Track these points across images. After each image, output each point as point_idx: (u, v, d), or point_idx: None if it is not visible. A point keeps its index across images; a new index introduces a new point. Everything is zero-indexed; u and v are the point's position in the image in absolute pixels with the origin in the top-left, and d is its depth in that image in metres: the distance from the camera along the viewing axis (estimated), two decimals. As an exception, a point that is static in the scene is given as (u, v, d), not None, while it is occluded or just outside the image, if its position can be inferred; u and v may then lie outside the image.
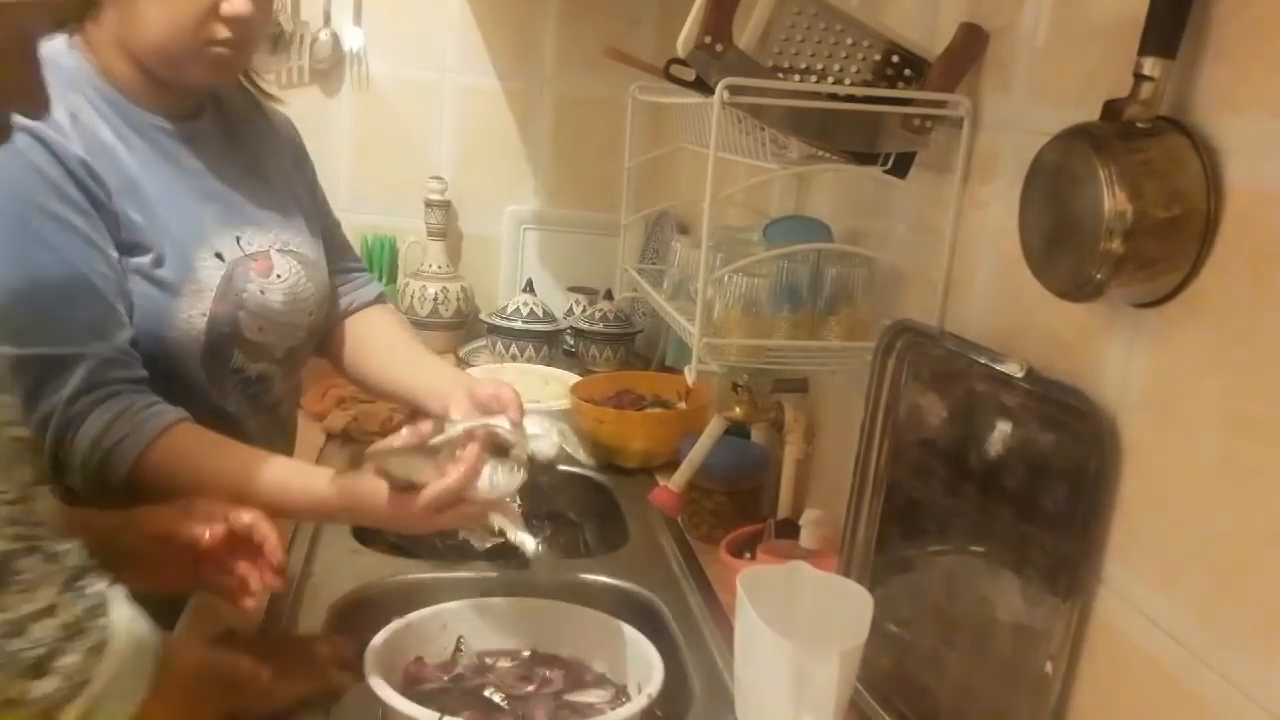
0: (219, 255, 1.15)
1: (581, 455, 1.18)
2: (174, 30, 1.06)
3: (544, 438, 1.15)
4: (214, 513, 0.97)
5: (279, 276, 1.20)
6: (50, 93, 0.99)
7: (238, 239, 1.17)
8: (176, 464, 1.04)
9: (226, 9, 1.07)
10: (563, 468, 1.71)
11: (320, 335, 1.33)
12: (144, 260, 1.09)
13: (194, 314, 1.11)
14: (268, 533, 0.97)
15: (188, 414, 1.08)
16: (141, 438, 1.03)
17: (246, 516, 0.97)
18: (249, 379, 1.20)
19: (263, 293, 1.18)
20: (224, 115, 1.23)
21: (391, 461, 1.00)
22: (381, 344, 1.36)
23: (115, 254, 1.07)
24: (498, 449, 1.08)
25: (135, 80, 1.11)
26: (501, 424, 1.09)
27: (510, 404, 1.15)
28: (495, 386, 1.18)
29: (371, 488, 1.01)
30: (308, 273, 1.25)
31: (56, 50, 1.08)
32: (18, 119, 0.94)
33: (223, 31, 1.07)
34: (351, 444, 1.78)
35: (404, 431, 1.03)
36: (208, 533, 0.95)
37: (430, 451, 1.02)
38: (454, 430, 1.06)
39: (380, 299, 1.43)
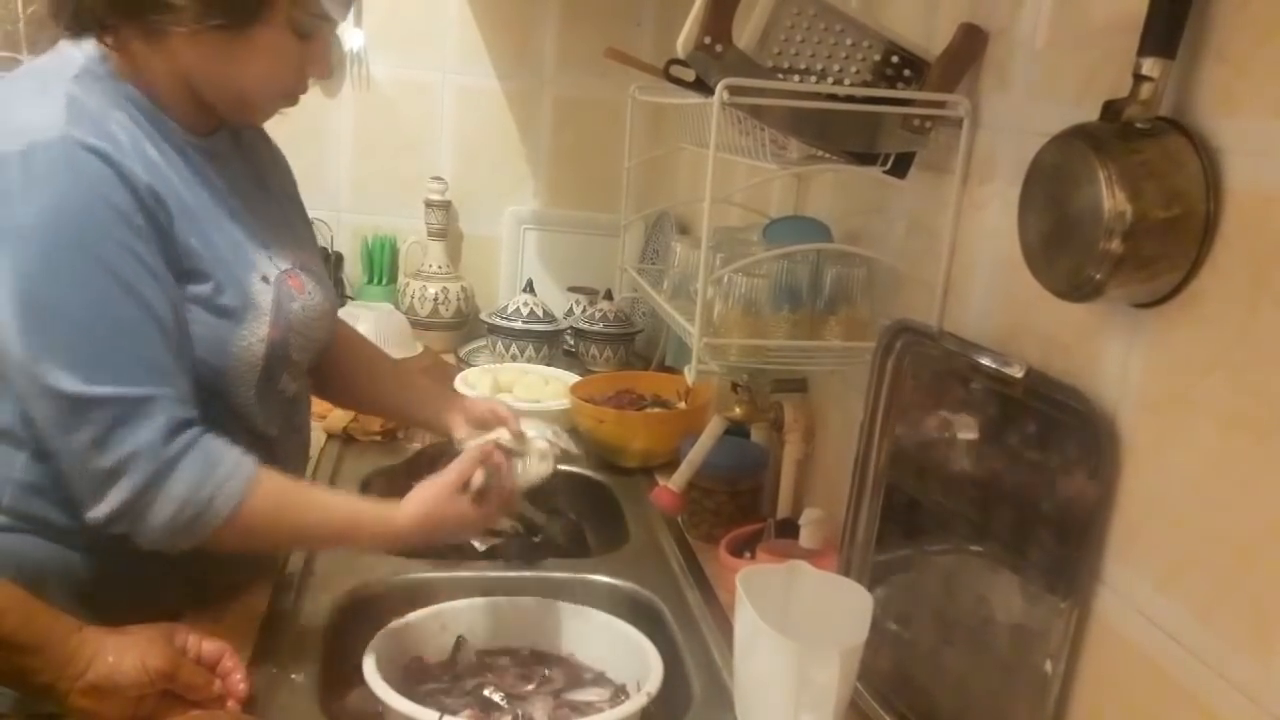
0: (265, 278, 1.11)
1: (573, 447, 1.32)
2: (270, 86, 1.07)
3: (540, 440, 1.25)
4: (197, 682, 0.99)
5: (309, 294, 1.18)
6: (95, 105, 0.99)
7: (270, 258, 1.14)
8: (264, 524, 1.06)
9: (312, 72, 1.09)
10: (563, 467, 1.71)
11: None
12: (204, 289, 1.05)
13: (254, 340, 1.09)
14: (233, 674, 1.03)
15: (256, 459, 1.06)
16: (231, 497, 1.01)
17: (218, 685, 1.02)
18: (288, 400, 1.19)
19: (304, 310, 1.16)
20: (233, 131, 1.18)
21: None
22: (358, 364, 1.39)
23: (173, 286, 1.03)
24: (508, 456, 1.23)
25: (176, 102, 1.06)
26: (503, 437, 1.23)
27: (507, 417, 1.26)
28: (487, 404, 1.31)
29: (454, 503, 1.13)
30: (323, 291, 1.22)
31: (90, 58, 1.02)
32: (83, 138, 0.95)
33: (301, 89, 1.10)
34: (352, 444, 1.78)
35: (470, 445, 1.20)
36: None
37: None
38: (469, 454, 1.19)
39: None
